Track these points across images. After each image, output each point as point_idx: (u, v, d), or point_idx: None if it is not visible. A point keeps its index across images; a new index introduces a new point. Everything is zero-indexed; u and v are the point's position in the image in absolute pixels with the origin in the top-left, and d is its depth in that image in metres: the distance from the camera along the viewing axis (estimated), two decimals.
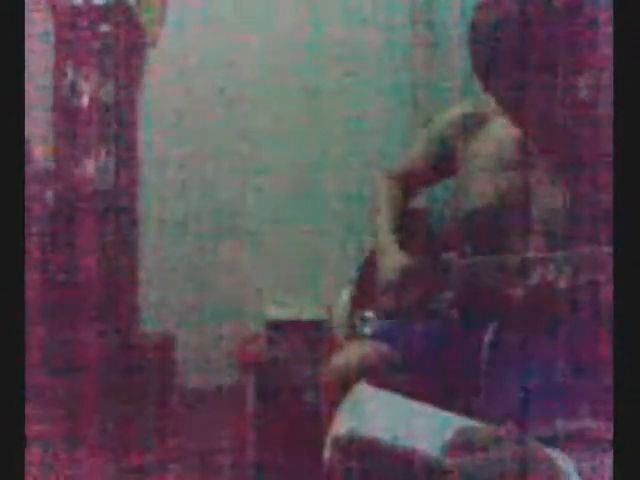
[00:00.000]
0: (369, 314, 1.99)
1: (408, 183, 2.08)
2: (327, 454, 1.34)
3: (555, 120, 1.71)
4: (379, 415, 1.41)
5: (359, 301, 2.07)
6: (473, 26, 1.71)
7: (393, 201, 2.06)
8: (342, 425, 1.36)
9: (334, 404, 1.52)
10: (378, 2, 3.28)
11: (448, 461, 1.23)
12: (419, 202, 2.13)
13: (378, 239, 1.99)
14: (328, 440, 1.34)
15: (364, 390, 1.53)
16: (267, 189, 3.32)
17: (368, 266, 2.05)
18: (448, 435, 1.29)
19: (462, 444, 1.25)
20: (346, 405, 1.47)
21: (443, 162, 1.97)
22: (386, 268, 1.92)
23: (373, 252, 2.02)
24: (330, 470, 1.33)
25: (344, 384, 1.65)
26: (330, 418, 1.44)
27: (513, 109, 1.74)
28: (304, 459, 1.82)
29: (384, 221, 2.02)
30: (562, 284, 1.58)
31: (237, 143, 3.32)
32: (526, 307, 1.67)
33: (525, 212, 1.75)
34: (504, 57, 1.64)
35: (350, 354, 1.89)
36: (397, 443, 1.28)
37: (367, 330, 1.96)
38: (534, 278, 1.61)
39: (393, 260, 1.92)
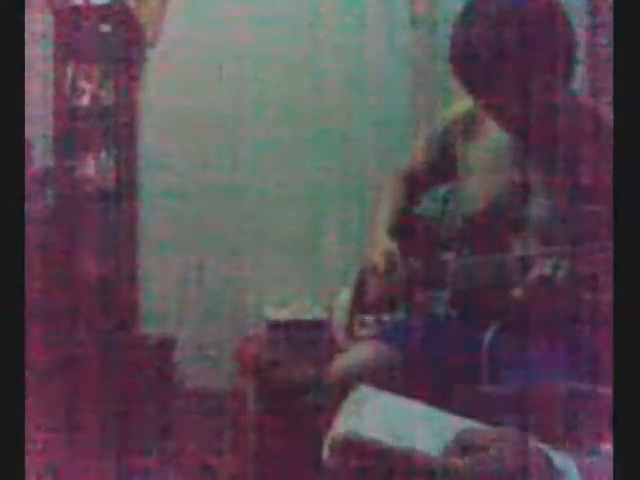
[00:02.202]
0: (368, 317, 1.99)
1: (412, 184, 2.08)
2: (326, 455, 1.33)
3: (549, 122, 1.70)
4: (379, 416, 1.41)
5: (359, 302, 2.07)
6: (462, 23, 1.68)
7: (395, 201, 2.06)
8: (341, 426, 1.36)
9: (336, 405, 1.51)
10: (379, 2, 3.28)
11: (449, 462, 1.23)
12: (419, 203, 2.13)
13: (373, 234, 2.00)
14: (327, 441, 1.34)
15: (364, 391, 1.52)
16: (268, 190, 3.32)
17: (368, 268, 2.05)
18: (449, 436, 1.28)
19: (463, 445, 1.24)
20: (346, 406, 1.47)
21: (444, 162, 1.97)
22: (373, 254, 1.95)
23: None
24: (329, 471, 1.33)
25: (346, 385, 1.65)
26: (331, 419, 1.43)
27: (499, 111, 1.72)
28: (304, 459, 1.82)
29: (382, 219, 2.02)
30: (560, 279, 1.57)
31: (238, 141, 3.32)
32: (525, 306, 1.67)
33: (523, 212, 1.75)
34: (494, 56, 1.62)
35: (352, 355, 1.89)
36: (397, 444, 1.28)
37: (366, 332, 1.96)
38: (532, 274, 1.61)
39: (380, 246, 1.95)
